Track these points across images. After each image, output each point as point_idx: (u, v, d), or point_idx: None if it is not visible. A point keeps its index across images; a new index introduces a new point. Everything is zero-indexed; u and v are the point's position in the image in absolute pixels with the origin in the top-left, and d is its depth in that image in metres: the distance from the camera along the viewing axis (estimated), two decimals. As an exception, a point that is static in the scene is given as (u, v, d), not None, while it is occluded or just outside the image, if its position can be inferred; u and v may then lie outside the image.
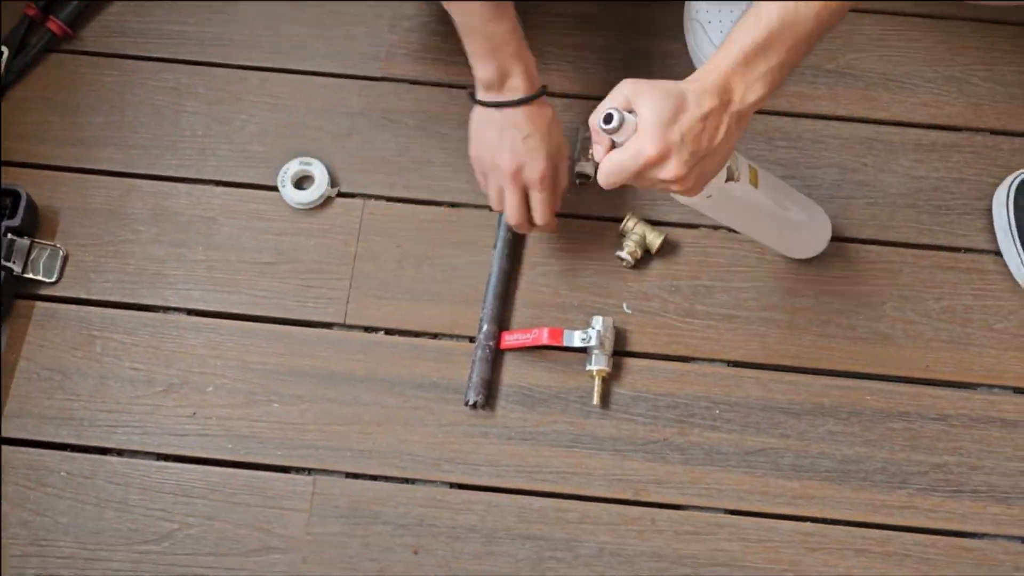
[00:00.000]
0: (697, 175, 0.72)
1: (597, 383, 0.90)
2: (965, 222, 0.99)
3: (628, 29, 1.07)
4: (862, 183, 1.00)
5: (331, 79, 1.05)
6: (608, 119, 0.70)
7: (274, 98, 1.04)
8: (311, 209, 0.99)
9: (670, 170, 0.71)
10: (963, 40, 1.06)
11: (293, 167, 0.99)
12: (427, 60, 1.05)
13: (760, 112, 1.02)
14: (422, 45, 1.06)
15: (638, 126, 0.70)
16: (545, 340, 0.91)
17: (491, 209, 0.92)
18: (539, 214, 0.89)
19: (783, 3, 0.71)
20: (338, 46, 1.06)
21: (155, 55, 1.06)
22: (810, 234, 0.94)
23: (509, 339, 0.93)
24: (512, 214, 0.89)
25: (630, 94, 0.71)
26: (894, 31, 1.07)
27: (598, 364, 0.90)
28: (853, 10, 1.06)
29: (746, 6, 1.00)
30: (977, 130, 1.03)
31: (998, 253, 0.97)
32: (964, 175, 1.01)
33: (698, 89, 0.70)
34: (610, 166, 0.72)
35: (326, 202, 0.99)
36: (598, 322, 0.91)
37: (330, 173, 0.99)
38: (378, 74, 1.05)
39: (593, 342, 0.90)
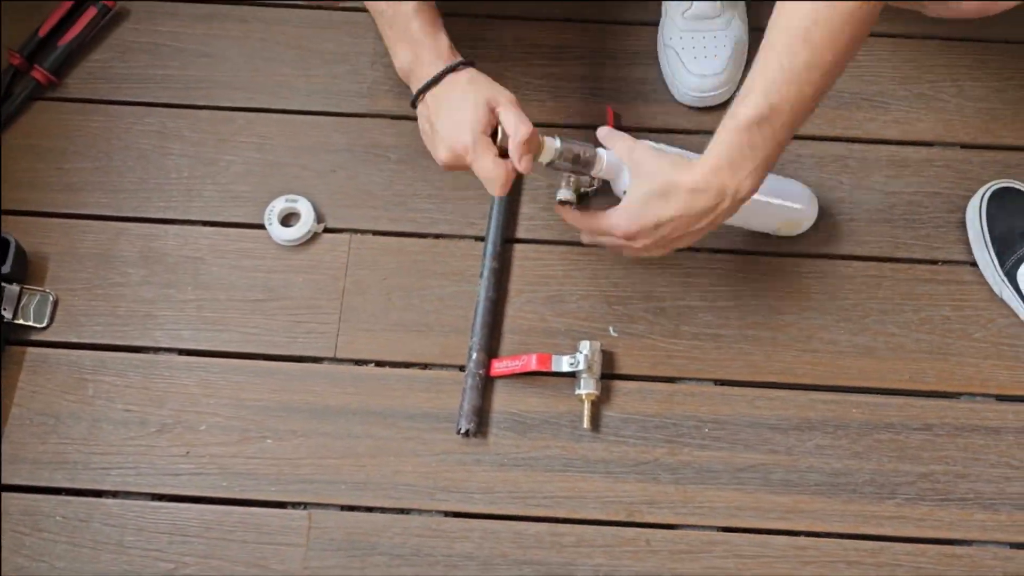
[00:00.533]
0: (666, 251, 0.82)
1: (587, 407, 0.92)
2: (940, 235, 1.01)
3: (603, 57, 1.10)
4: (838, 200, 1.02)
5: (315, 117, 1.07)
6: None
7: (259, 138, 1.05)
8: (298, 246, 1.00)
9: (636, 247, 0.80)
10: (930, 58, 1.09)
11: (279, 204, 1.00)
12: (409, 95, 1.06)
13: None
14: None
15: (623, 200, 0.79)
16: (534, 366, 0.92)
17: (476, 239, 0.94)
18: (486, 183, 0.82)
19: (788, 87, 0.74)
20: (321, 84, 1.08)
21: (139, 99, 1.08)
22: (801, 212, 0.97)
23: (498, 366, 0.94)
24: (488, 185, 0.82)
25: (631, 156, 0.80)
26: (864, 51, 1.10)
27: (587, 388, 0.91)
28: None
29: (718, 33, 1.04)
30: (948, 145, 1.05)
31: (974, 264, 0.99)
32: (937, 189, 1.03)
33: (692, 189, 0.77)
34: (582, 225, 0.83)
35: (313, 238, 1.00)
36: (585, 346, 0.93)
37: (316, 209, 1.01)
38: (361, 111, 1.07)
39: (581, 366, 0.91)
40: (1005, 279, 0.95)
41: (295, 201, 1.00)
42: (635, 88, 1.08)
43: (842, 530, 0.89)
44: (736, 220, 0.88)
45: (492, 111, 0.80)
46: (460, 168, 0.82)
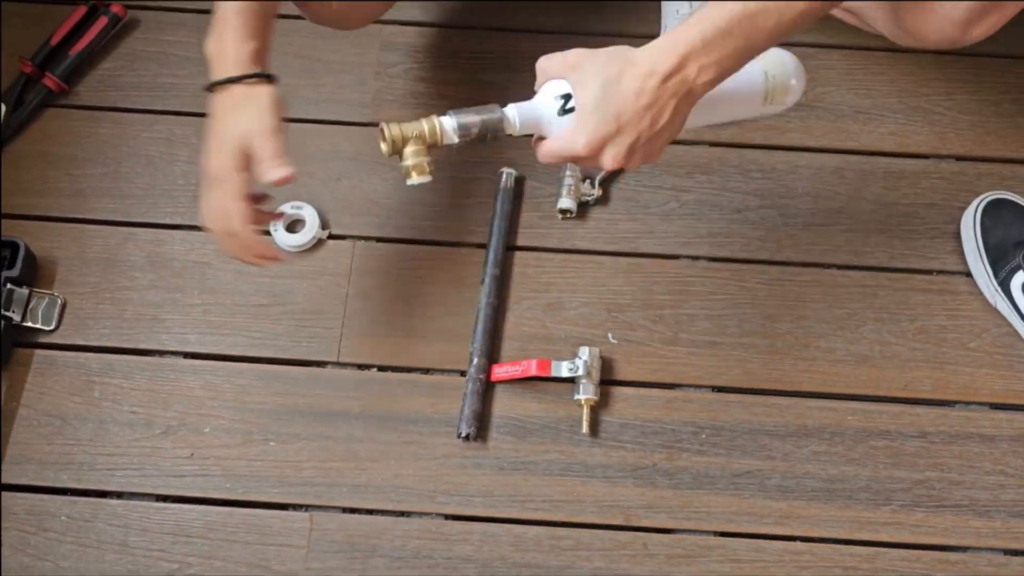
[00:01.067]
0: (641, 157, 0.71)
1: (585, 412, 0.93)
2: (936, 245, 1.02)
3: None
4: (836, 211, 1.04)
5: (321, 126, 1.09)
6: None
7: (265, 145, 1.07)
8: (303, 252, 1.02)
9: (608, 160, 0.70)
10: (926, 72, 1.11)
11: (285, 211, 1.02)
12: (412, 105, 1.09)
13: (735, 146, 1.07)
14: (407, 91, 1.10)
15: (576, 109, 0.69)
16: (534, 371, 0.93)
17: (477, 246, 0.95)
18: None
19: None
20: (326, 94, 1.10)
21: (148, 107, 1.10)
22: (786, 66, 0.84)
23: (499, 372, 0.95)
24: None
25: (568, 69, 0.70)
26: (861, 65, 1.12)
27: (586, 393, 0.93)
28: (820, 45, 1.12)
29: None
30: (943, 157, 1.07)
31: (968, 274, 1.00)
32: (933, 200, 1.04)
33: (647, 72, 0.68)
34: (543, 154, 0.73)
35: (317, 244, 1.02)
36: (584, 352, 0.94)
37: (320, 216, 1.02)
38: (366, 120, 1.09)
39: (580, 372, 0.93)
40: (999, 289, 0.96)
41: (300, 208, 1.02)
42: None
43: (838, 536, 0.90)
44: (719, 110, 0.82)
45: (246, 149, 0.76)
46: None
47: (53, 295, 0.99)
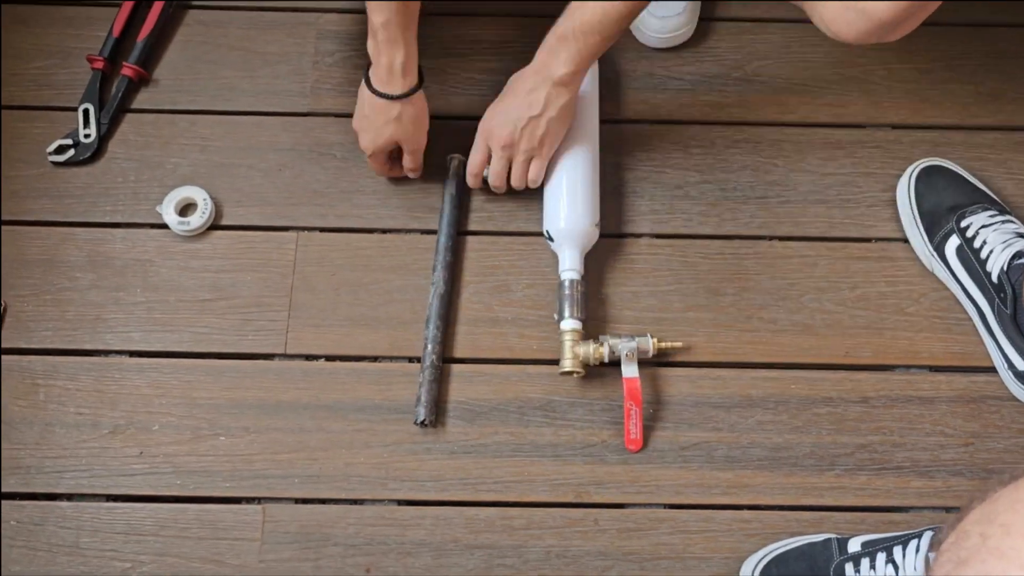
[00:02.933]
0: (547, 145, 0.95)
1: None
2: (873, 213, 1.04)
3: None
4: (775, 183, 1.05)
5: (259, 117, 1.08)
6: None
7: (203, 139, 1.06)
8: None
9: (520, 155, 0.96)
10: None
11: (176, 195, 1.02)
12: (351, 93, 1.07)
13: (674, 122, 1.08)
14: (345, 79, 1.09)
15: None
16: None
17: (422, 232, 0.96)
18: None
19: (594, 5, 0.88)
20: (264, 85, 1.09)
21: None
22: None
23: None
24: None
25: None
26: (796, 38, 1.13)
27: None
28: (757, 20, 1.13)
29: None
30: (879, 126, 1.08)
31: (905, 240, 1.02)
32: (869, 169, 1.06)
33: (517, 77, 0.96)
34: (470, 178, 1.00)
35: (209, 232, 1.02)
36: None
37: (213, 199, 1.02)
38: (304, 110, 1.08)
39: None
40: (935, 253, 0.98)
41: (191, 192, 1.02)
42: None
43: (784, 502, 0.92)
44: None
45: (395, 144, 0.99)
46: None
47: (-7, 299, 0.98)
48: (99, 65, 1.08)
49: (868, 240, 1.03)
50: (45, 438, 0.93)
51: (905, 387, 0.96)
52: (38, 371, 0.96)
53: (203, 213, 1.01)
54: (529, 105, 0.93)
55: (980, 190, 1.00)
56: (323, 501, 0.92)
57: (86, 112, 1.06)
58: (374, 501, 0.92)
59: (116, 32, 1.10)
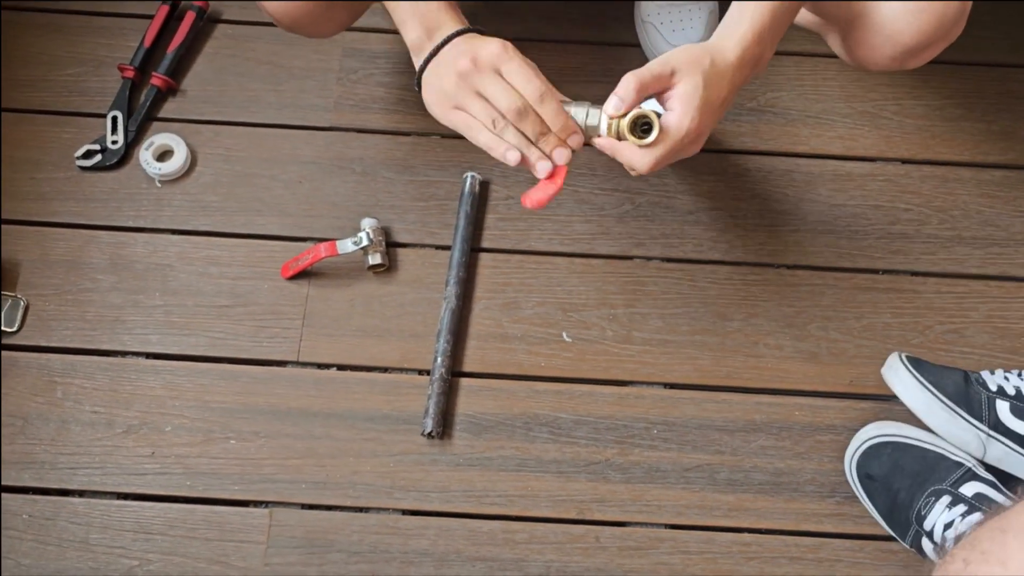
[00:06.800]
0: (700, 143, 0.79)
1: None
2: (881, 245, 1.05)
3: (585, 44, 1.14)
4: (784, 212, 1.07)
5: (282, 130, 1.10)
6: (647, 129, 0.74)
7: (227, 150, 1.09)
8: (173, 180, 1.05)
9: (698, 148, 0.78)
10: (873, 78, 1.14)
11: (157, 140, 1.06)
12: (373, 110, 1.11)
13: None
14: (368, 96, 1.12)
15: (680, 109, 0.74)
16: (323, 254, 1.00)
17: (436, 248, 0.97)
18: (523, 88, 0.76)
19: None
20: (288, 99, 1.12)
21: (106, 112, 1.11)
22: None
23: (292, 266, 1.01)
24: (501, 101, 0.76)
25: (671, 70, 0.74)
26: (810, 71, 1.15)
27: (374, 260, 1.00)
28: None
29: (691, 5, 1.07)
30: (889, 160, 1.10)
31: (914, 274, 1.03)
32: (879, 202, 1.07)
33: (736, 63, 0.75)
34: (657, 162, 0.76)
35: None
36: (367, 224, 1.01)
37: (191, 149, 1.07)
38: (327, 124, 1.11)
39: (365, 243, 1.00)
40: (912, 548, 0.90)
41: (169, 138, 1.07)
42: (621, 67, 1.07)
43: (784, 527, 0.93)
44: None
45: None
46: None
47: (16, 297, 1.01)
48: (129, 74, 1.11)
49: (875, 272, 1.04)
50: (60, 435, 0.95)
51: (908, 417, 0.97)
52: (56, 369, 0.98)
53: (179, 158, 1.06)
54: (728, 104, 0.79)
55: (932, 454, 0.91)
56: (329, 508, 0.93)
57: (114, 119, 1.09)
58: (379, 510, 0.93)
59: (147, 43, 1.13)
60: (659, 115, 0.75)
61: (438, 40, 0.78)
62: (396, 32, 1.12)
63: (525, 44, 1.08)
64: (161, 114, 1.11)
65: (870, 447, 0.91)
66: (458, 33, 0.78)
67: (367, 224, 1.01)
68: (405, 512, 0.93)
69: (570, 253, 1.04)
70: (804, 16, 0.94)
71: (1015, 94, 1.13)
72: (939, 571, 0.50)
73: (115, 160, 1.07)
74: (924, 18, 0.79)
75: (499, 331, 1.00)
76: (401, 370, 0.99)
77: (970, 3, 0.81)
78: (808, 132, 1.11)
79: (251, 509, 0.93)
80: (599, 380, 0.99)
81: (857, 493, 0.92)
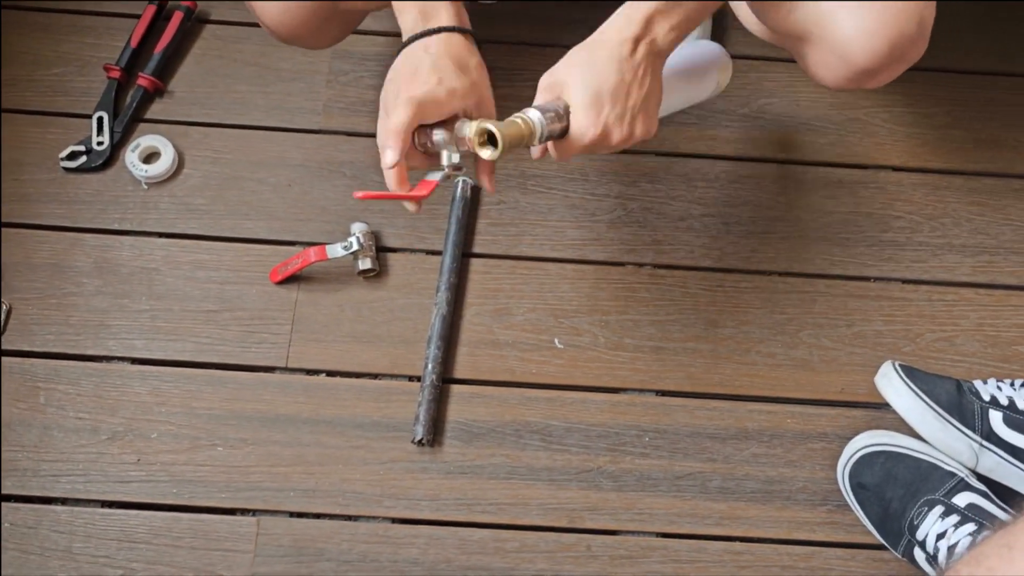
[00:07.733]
0: (642, 127, 0.75)
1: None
2: (873, 252, 1.05)
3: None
4: (776, 218, 1.07)
5: (271, 132, 1.09)
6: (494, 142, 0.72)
7: (214, 152, 1.07)
8: (160, 182, 1.04)
9: (616, 138, 0.74)
10: (865, 85, 1.14)
11: (144, 142, 1.05)
12: (362, 113, 1.10)
13: (680, 155, 1.09)
14: (358, 99, 1.11)
15: (575, 114, 0.73)
16: (313, 258, 0.99)
17: (426, 253, 0.96)
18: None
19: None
20: (277, 101, 1.11)
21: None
22: (723, 55, 0.96)
23: (281, 270, 1.00)
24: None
25: (556, 83, 0.74)
26: (802, 78, 1.14)
27: (364, 266, 1.00)
28: (765, 59, 1.15)
29: None
30: (880, 167, 1.10)
31: (905, 281, 1.03)
32: (871, 209, 1.08)
33: (616, 43, 0.72)
34: (563, 153, 0.76)
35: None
36: (356, 228, 1.00)
37: (178, 151, 1.05)
38: (316, 127, 1.09)
39: (355, 247, 0.99)
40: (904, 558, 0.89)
41: (155, 140, 1.05)
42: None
43: (776, 536, 0.93)
44: (677, 100, 0.92)
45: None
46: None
47: (-2, 301, 0.99)
48: (115, 74, 1.10)
49: (867, 279, 1.04)
50: (43, 441, 0.94)
51: (900, 426, 0.97)
52: (39, 374, 0.97)
53: (166, 160, 1.05)
54: (638, 88, 0.75)
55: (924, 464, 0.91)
56: (318, 516, 0.92)
57: (100, 120, 1.07)
58: (369, 518, 0.92)
59: (134, 43, 1.11)
60: (533, 121, 0.73)
61: (432, 25, 0.77)
62: (385, 35, 1.12)
63: (515, 48, 1.08)
64: (148, 115, 1.10)
65: (863, 456, 0.90)
66: (450, 29, 0.77)
67: (357, 229, 1.00)
68: (395, 520, 0.92)
69: (562, 259, 1.04)
70: (763, 29, 0.94)
71: (1003, 102, 1.14)
72: None
73: (100, 162, 1.06)
74: (876, 42, 0.77)
75: (490, 337, 1.00)
76: (391, 376, 0.98)
77: (930, 25, 0.79)
78: (800, 139, 1.11)
79: (238, 517, 0.92)
80: (591, 387, 0.98)
81: (849, 502, 0.92)
